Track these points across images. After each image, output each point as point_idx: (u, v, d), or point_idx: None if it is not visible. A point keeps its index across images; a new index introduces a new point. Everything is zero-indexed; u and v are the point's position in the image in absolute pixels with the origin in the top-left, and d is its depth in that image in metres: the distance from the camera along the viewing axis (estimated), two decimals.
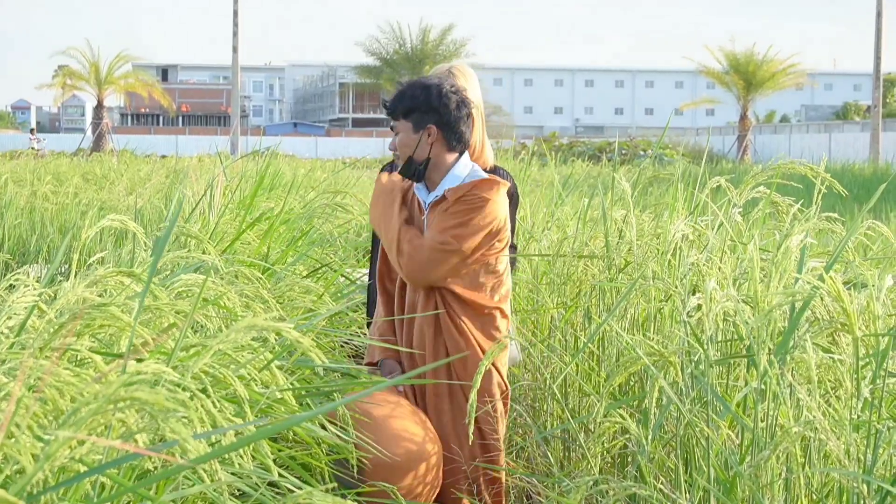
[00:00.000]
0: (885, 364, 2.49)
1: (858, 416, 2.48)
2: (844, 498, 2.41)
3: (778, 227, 3.99)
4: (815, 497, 2.52)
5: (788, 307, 2.76)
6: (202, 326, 3.51)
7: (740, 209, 3.82)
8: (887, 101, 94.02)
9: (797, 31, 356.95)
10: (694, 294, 3.24)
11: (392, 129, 4.27)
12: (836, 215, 3.66)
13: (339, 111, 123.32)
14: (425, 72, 62.19)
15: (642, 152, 49.36)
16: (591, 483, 2.65)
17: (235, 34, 48.36)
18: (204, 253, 4.15)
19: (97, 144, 48.50)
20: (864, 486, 2.28)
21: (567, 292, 4.85)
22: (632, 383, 3.94)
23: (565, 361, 4.33)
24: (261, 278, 4.21)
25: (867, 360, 2.63)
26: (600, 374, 4.18)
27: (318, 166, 20.27)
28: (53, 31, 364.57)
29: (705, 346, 2.89)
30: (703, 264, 3.38)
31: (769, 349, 2.65)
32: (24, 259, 10.53)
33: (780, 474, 2.54)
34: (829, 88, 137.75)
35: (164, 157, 37.29)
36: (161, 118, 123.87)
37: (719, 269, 3.38)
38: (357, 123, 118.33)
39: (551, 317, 4.95)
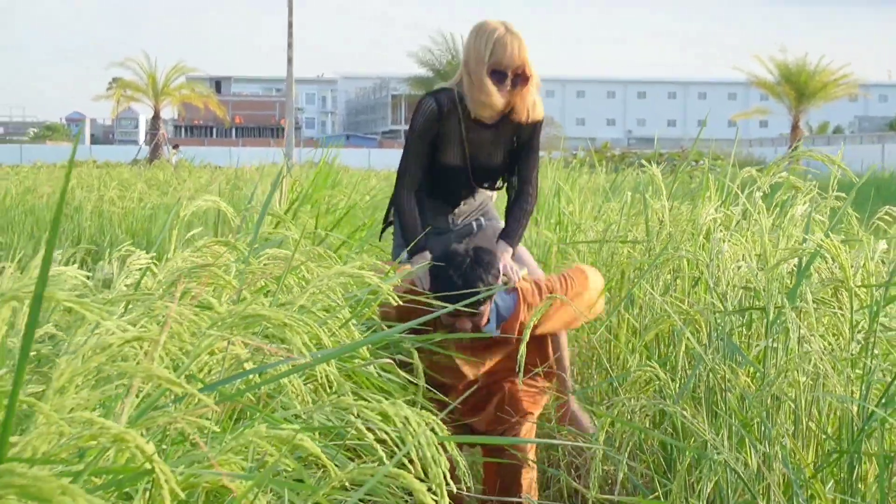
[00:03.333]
0: (878, 314, 2.91)
1: (853, 355, 2.90)
2: (842, 422, 2.82)
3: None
4: (816, 423, 2.94)
5: (796, 267, 3.20)
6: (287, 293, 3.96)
7: (762, 194, 4.26)
8: None
9: (850, 41, 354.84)
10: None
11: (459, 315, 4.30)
12: (843, 195, 4.09)
13: (391, 123, 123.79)
14: None
15: (693, 163, 49.44)
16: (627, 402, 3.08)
17: (290, 45, 48.97)
18: (286, 231, 4.63)
19: (154, 155, 49.26)
20: (855, 408, 2.70)
21: (611, 276, 5.28)
22: (663, 348, 4.36)
23: (608, 327, 4.74)
24: (334, 256, 4.65)
25: (862, 311, 3.05)
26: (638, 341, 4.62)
27: (373, 175, 20.76)
28: (108, 43, 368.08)
29: (724, 302, 3.33)
30: (729, 240, 3.82)
31: (778, 302, 3.08)
32: (97, 258, 11.02)
33: (788, 404, 2.95)
34: (883, 100, 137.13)
35: (218, 167, 37.85)
36: (214, 130, 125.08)
37: (741, 241, 3.82)
38: None
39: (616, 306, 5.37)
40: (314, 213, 6.37)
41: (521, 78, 4.69)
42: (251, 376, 2.50)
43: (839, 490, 2.74)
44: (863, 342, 2.91)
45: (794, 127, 51.59)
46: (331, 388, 2.85)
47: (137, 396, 2.06)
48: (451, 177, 4.86)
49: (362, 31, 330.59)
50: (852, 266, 3.29)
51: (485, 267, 4.29)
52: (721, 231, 3.91)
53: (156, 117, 50.69)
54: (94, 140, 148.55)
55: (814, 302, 3.17)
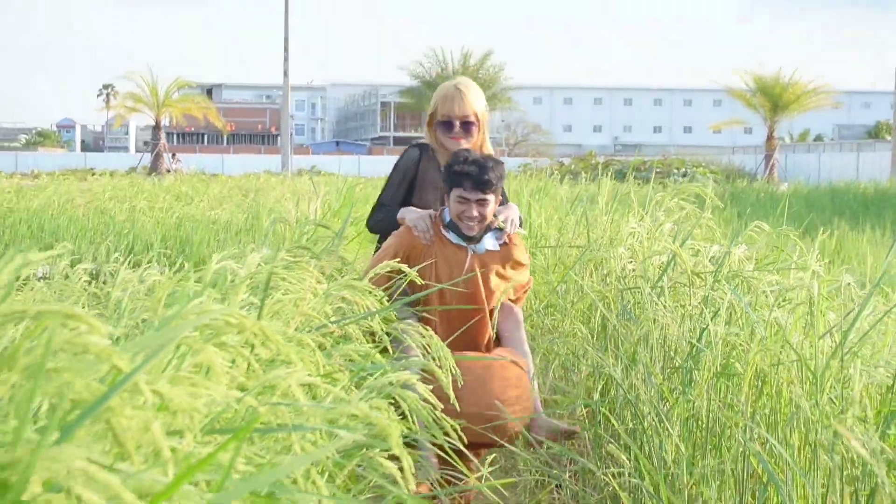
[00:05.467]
0: (711, 289, 4.82)
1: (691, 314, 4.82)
2: (676, 351, 4.73)
3: (686, 224, 6.35)
4: (668, 356, 4.83)
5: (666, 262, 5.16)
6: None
7: (662, 215, 6.23)
8: None
9: (837, 48, 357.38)
10: (630, 262, 5.66)
11: (468, 199, 5.10)
12: (710, 216, 6.06)
13: (380, 130, 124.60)
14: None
15: (675, 170, 50.86)
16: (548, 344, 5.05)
17: (286, 59, 50.78)
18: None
19: (155, 164, 50.67)
20: (683, 341, 4.59)
21: (562, 269, 7.24)
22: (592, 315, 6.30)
23: (554, 305, 6.70)
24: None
25: (703, 288, 4.96)
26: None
27: (378, 184, 22.71)
28: (97, 49, 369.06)
29: (619, 284, 5.29)
30: (636, 246, 5.79)
31: (651, 285, 5.01)
32: (138, 261, 12.86)
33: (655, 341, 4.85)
34: (866, 107, 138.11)
35: (214, 175, 39.33)
36: (206, 137, 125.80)
37: (642, 245, 5.78)
38: (398, 142, 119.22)
39: (554, 287, 7.34)
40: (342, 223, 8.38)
41: (469, 125, 5.56)
42: (332, 325, 4.42)
43: (681, 390, 4.61)
44: (699, 305, 4.83)
45: (769, 137, 52.77)
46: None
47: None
48: None
49: (352, 39, 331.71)
50: (711, 260, 5.31)
51: (495, 163, 5.14)
52: (630, 239, 5.89)
53: (156, 128, 51.98)
54: (85, 147, 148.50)
55: (677, 283, 5.14)
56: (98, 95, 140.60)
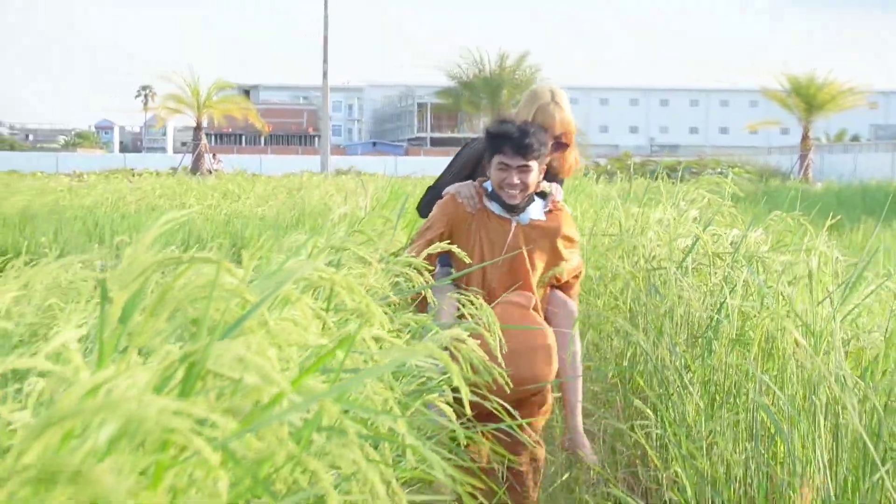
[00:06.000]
0: (730, 268, 5.35)
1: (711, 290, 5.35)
2: (698, 324, 5.25)
3: (709, 211, 6.88)
4: (691, 327, 5.35)
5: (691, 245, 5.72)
6: None
7: (687, 204, 6.78)
8: None
9: (873, 48, 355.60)
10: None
11: (509, 166, 4.92)
12: (731, 205, 6.58)
13: (417, 130, 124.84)
14: (504, 95, 66.10)
15: (710, 170, 51.01)
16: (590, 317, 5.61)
17: (325, 60, 51.29)
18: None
19: (196, 165, 51.28)
20: (704, 314, 5.12)
21: (596, 255, 7.80)
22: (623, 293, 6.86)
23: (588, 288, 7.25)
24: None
25: (723, 268, 5.49)
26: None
27: (417, 183, 23.33)
28: (135, 51, 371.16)
29: (646, 265, 5.85)
30: (661, 233, 6.35)
31: (676, 265, 5.56)
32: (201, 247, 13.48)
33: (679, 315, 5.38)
34: None
35: (254, 175, 39.95)
36: (244, 137, 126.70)
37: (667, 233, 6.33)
38: (435, 143, 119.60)
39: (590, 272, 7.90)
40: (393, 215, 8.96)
41: (560, 145, 5.39)
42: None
43: (702, 357, 5.13)
44: (720, 282, 5.37)
45: (804, 137, 53.03)
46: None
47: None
48: None
49: (388, 40, 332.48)
50: (731, 242, 5.86)
51: (537, 129, 4.95)
52: (657, 226, 6.45)
53: (198, 128, 52.56)
54: (123, 147, 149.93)
55: (700, 264, 5.68)
56: (136, 97, 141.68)
